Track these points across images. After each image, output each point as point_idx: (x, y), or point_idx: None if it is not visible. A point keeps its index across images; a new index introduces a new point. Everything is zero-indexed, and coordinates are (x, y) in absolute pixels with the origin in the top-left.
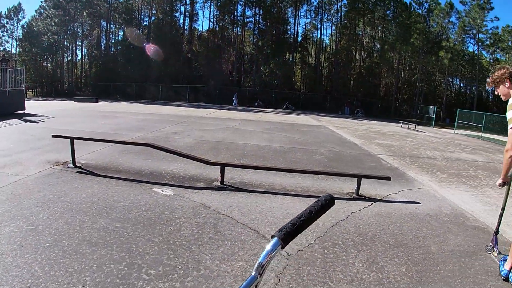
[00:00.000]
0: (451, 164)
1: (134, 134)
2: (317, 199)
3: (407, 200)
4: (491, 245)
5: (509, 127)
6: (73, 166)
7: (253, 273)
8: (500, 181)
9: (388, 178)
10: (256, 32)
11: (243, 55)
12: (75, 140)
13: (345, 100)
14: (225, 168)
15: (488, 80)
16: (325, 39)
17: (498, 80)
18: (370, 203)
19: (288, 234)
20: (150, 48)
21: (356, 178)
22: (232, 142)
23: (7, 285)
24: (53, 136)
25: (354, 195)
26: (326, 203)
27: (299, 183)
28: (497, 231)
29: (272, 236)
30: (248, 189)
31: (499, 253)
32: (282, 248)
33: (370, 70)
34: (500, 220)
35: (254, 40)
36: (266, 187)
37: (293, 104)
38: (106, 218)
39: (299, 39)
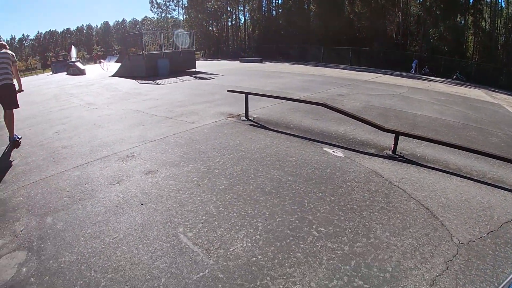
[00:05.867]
0: None
1: (300, 94)
2: None
3: None
4: None
5: None
6: (246, 119)
7: None
8: None
9: None
10: None
11: (409, 16)
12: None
13: None
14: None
15: None
16: (500, 1)
17: None
18: None
19: None
20: None
21: None
22: (401, 110)
23: (182, 218)
24: (228, 91)
25: None
26: None
27: (474, 166)
28: None
29: None
30: (421, 163)
31: None
32: None
33: None
34: None
35: (421, 0)
36: (439, 164)
37: (464, 74)
38: (279, 170)
39: None
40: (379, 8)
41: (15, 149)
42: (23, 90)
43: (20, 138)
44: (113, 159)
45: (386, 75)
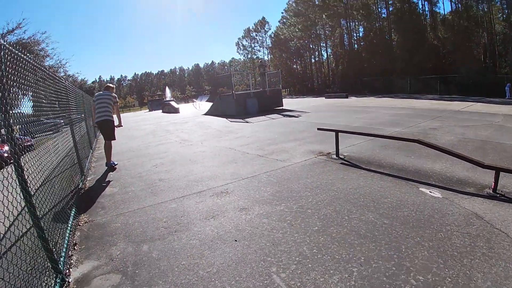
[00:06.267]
0: None
1: (390, 129)
2: None
3: None
4: None
5: None
6: (337, 158)
7: None
8: None
9: None
10: (505, 6)
11: (495, 36)
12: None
13: None
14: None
15: None
16: None
17: None
18: None
19: None
20: None
21: None
22: (498, 142)
23: (275, 258)
24: (318, 129)
25: None
26: None
27: None
28: None
29: None
30: None
31: None
32: None
33: None
34: None
35: (505, 16)
36: None
37: None
38: (374, 212)
39: None
40: (463, 31)
41: (114, 176)
42: (122, 126)
43: (116, 164)
44: (208, 194)
45: (478, 103)
